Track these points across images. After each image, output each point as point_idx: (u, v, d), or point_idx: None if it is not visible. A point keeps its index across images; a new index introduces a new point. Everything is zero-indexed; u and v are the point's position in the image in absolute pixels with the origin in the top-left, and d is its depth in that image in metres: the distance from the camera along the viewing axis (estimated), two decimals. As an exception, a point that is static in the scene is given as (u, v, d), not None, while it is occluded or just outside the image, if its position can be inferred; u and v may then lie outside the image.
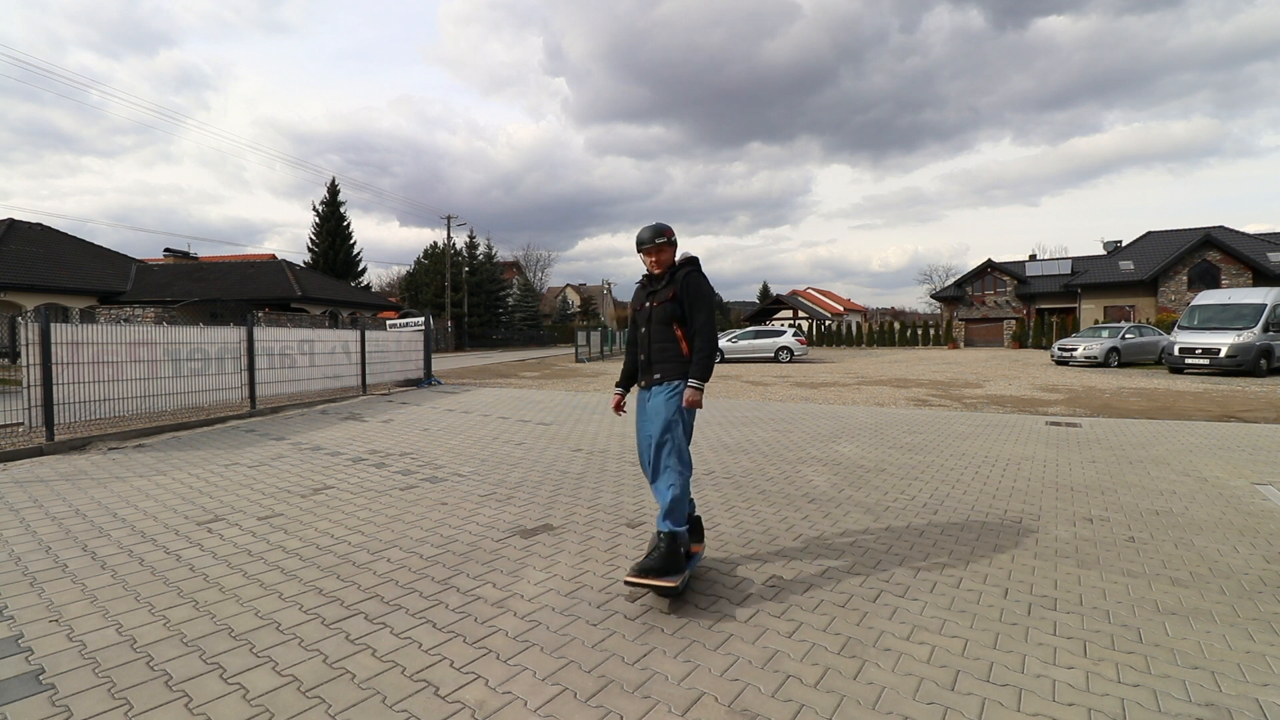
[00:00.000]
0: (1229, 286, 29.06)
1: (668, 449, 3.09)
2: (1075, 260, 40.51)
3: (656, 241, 3.23)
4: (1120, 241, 40.52)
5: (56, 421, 7.21)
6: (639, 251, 3.29)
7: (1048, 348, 33.52)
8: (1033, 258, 46.03)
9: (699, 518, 3.47)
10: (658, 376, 3.18)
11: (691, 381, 3.08)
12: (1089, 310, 35.81)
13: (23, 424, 7.28)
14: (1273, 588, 3.15)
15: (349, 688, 2.29)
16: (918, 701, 2.20)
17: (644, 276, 3.41)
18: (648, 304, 3.29)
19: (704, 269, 3.37)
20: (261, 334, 10.55)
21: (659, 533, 3.07)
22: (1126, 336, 21.12)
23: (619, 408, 3.50)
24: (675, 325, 3.17)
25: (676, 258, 3.34)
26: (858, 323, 52.92)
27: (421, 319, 16.50)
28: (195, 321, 21.71)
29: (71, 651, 2.53)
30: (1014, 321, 40.06)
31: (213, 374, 9.61)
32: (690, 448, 3.46)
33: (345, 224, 44.26)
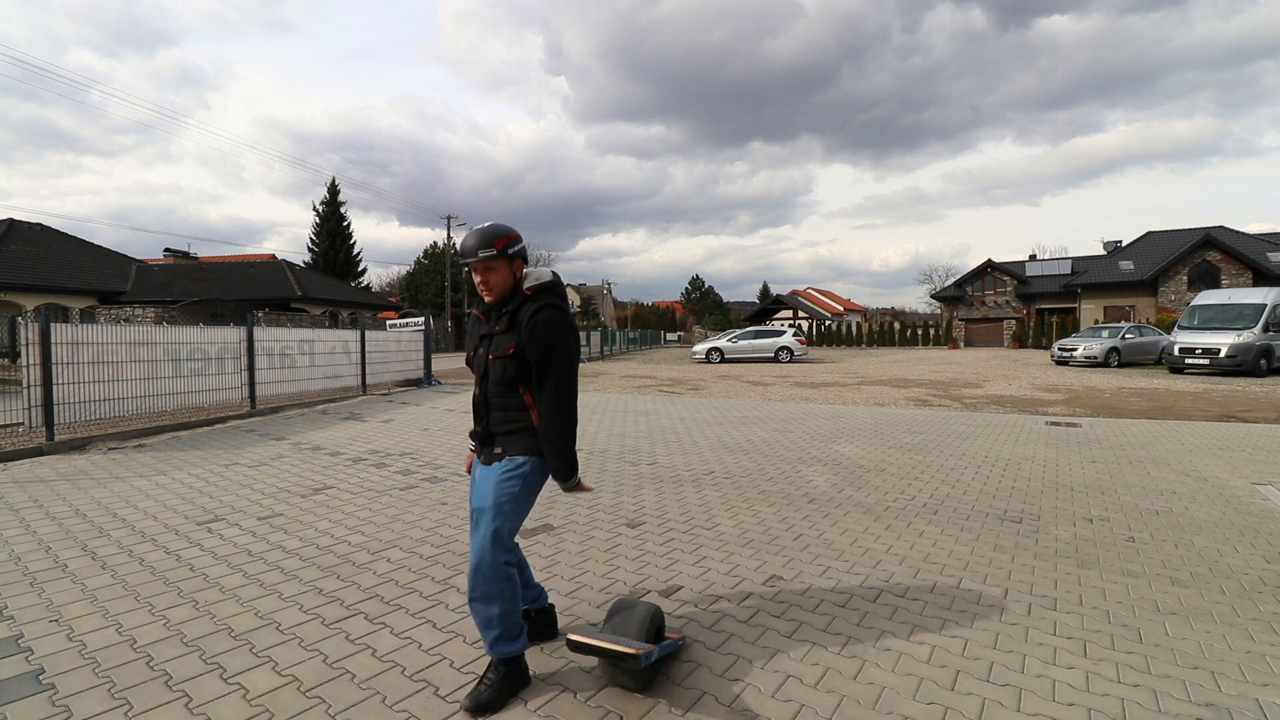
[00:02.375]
0: (1229, 286, 29.07)
1: (487, 542, 2.17)
2: (1075, 260, 40.51)
3: (481, 255, 2.20)
4: (1120, 241, 40.52)
5: (56, 421, 7.21)
6: (463, 263, 2.30)
7: (1048, 348, 33.52)
8: (1033, 258, 46.03)
9: (551, 608, 2.69)
10: (498, 451, 2.30)
11: (559, 481, 2.27)
12: (1089, 310, 35.80)
13: (23, 424, 7.28)
14: (1273, 588, 3.15)
15: (349, 688, 2.29)
16: (918, 701, 2.20)
17: (479, 303, 2.43)
18: (480, 350, 2.33)
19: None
20: (261, 334, 10.54)
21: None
22: (1126, 336, 21.12)
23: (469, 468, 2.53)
24: (522, 388, 2.27)
25: (525, 281, 2.32)
26: (858, 323, 52.91)
27: (421, 319, 16.50)
28: (195, 321, 21.70)
29: (71, 651, 2.53)
30: (1014, 321, 40.04)
31: (213, 374, 9.61)
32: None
33: (345, 224, 44.29)
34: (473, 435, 2.42)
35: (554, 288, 2.34)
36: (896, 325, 46.23)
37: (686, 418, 9.39)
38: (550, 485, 5.31)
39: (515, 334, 2.23)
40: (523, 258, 2.33)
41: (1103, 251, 41.17)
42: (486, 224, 2.26)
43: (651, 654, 2.19)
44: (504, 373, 2.24)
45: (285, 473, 5.77)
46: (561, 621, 2.81)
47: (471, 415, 2.42)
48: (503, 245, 2.22)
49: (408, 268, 54.20)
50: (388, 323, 20.01)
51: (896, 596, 3.07)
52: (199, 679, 2.34)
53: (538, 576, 3.32)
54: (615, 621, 2.34)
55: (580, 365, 28.83)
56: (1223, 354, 15.89)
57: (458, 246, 2.24)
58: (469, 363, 2.42)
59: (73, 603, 2.97)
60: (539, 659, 2.50)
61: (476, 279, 2.28)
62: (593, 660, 2.45)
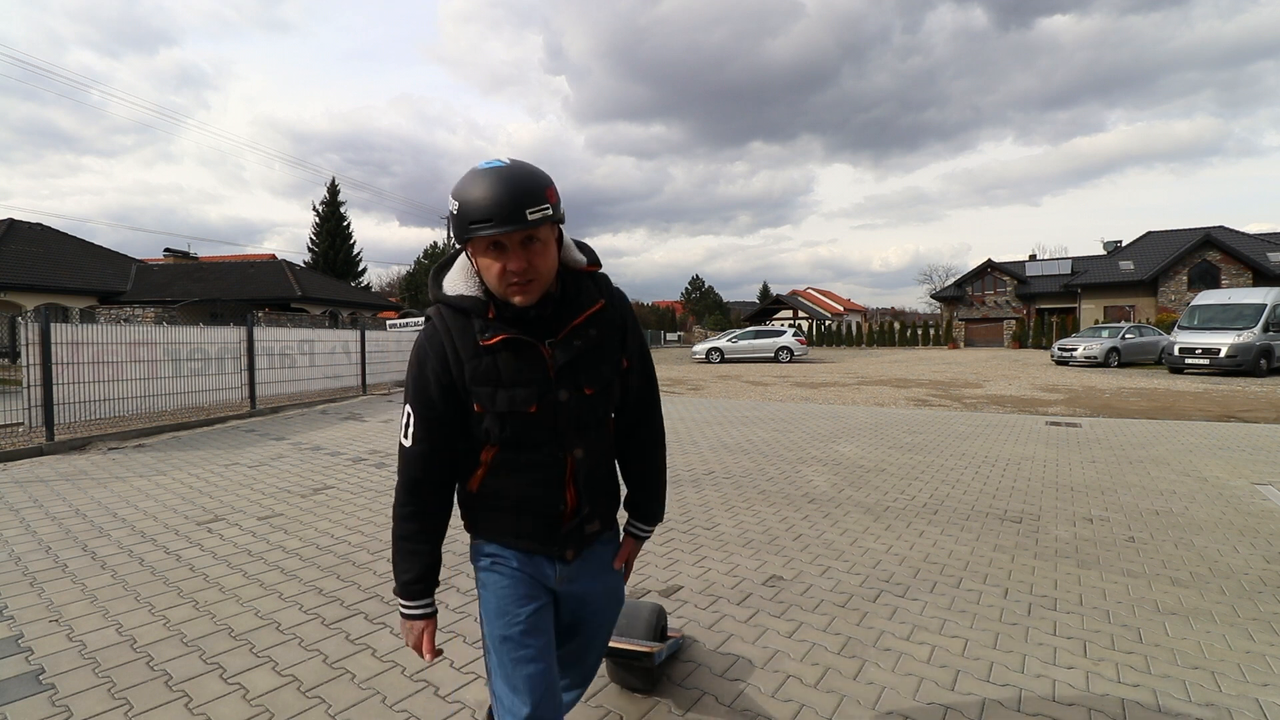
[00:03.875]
0: (1229, 286, 29.05)
1: (594, 668, 1.69)
2: (1075, 260, 40.50)
3: (530, 216, 1.21)
4: (1120, 241, 40.51)
5: (56, 421, 7.20)
6: (467, 239, 1.25)
7: (1048, 348, 33.51)
8: (1033, 258, 46.02)
9: None
10: (595, 528, 1.47)
11: (641, 526, 1.58)
12: (1089, 310, 35.79)
13: (23, 424, 7.28)
14: (1273, 588, 3.15)
15: (349, 688, 2.29)
16: (918, 701, 2.20)
17: (501, 318, 1.33)
18: (559, 393, 1.34)
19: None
20: (261, 334, 10.54)
21: None
22: (1126, 336, 21.12)
23: (434, 651, 1.44)
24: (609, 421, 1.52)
25: (574, 253, 1.42)
26: (858, 323, 52.90)
27: (421, 319, 16.51)
28: (195, 321, 21.70)
29: (71, 651, 2.53)
30: (1014, 321, 40.04)
31: (213, 374, 9.62)
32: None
33: (345, 224, 44.28)
34: (413, 597, 1.41)
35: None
36: (896, 325, 46.23)
37: (686, 417, 9.39)
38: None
39: (616, 338, 1.43)
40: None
41: (1103, 251, 41.15)
42: (503, 162, 1.25)
43: (663, 652, 2.21)
44: (606, 407, 1.43)
45: (285, 473, 5.77)
46: (561, 621, 2.81)
47: (531, 511, 1.40)
48: (556, 198, 1.27)
49: (408, 268, 54.24)
50: (388, 323, 20.03)
51: (896, 596, 3.06)
52: (199, 679, 2.34)
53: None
54: (621, 622, 2.34)
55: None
56: (1223, 354, 15.89)
57: (455, 209, 1.24)
58: (510, 427, 1.34)
59: (73, 603, 2.97)
60: (539, 659, 2.49)
61: (506, 267, 1.25)
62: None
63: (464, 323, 1.34)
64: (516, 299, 1.28)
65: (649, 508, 1.58)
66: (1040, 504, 4.67)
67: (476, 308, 1.33)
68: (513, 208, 1.20)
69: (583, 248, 1.45)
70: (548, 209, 1.23)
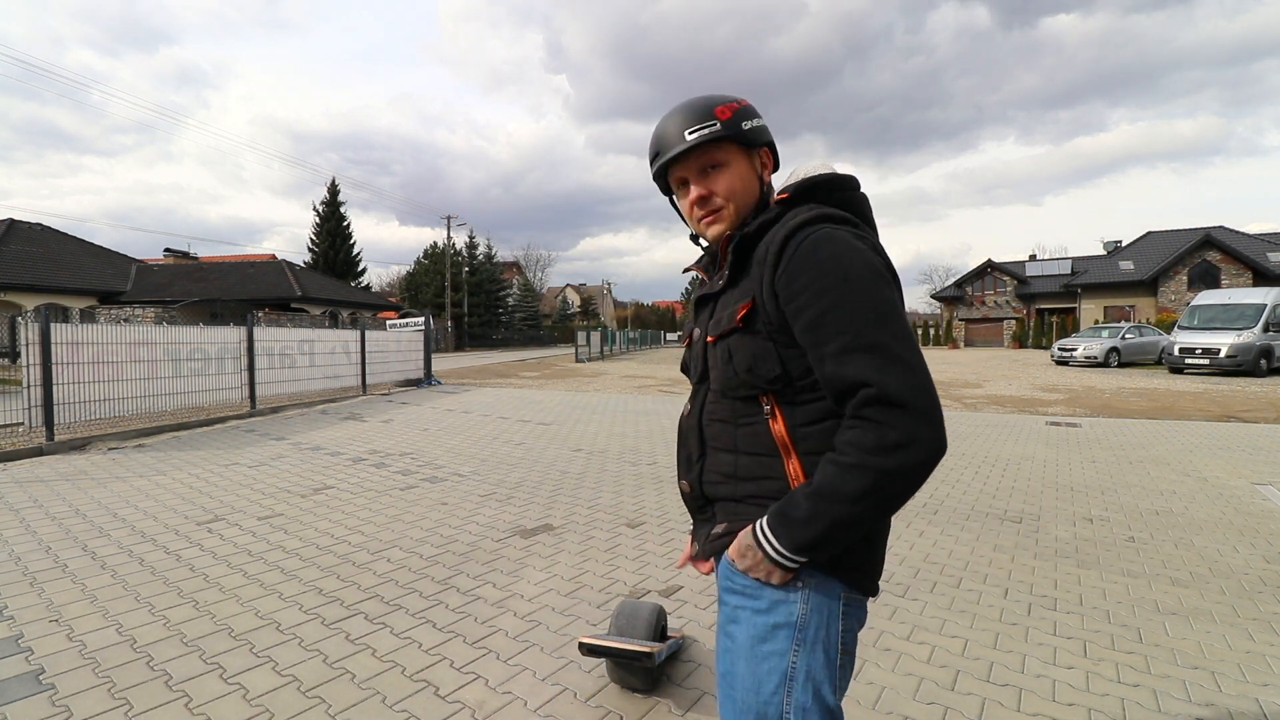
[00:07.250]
0: (1229, 286, 29.05)
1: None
2: (1075, 260, 40.52)
3: (689, 136, 1.17)
4: (1120, 241, 40.53)
5: (56, 421, 7.20)
6: (661, 183, 1.31)
7: (1048, 348, 33.51)
8: (1033, 258, 46.04)
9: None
10: (719, 530, 1.22)
11: (763, 522, 1.09)
12: (1089, 310, 35.80)
13: (23, 424, 7.27)
14: (1273, 588, 3.15)
15: (349, 688, 2.29)
16: (918, 701, 2.20)
17: (702, 258, 1.38)
18: (697, 333, 1.29)
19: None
20: (261, 334, 10.54)
21: None
22: (1126, 336, 21.13)
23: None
24: (769, 402, 1.13)
25: (777, 182, 1.26)
26: (858, 323, 52.74)
27: (421, 319, 16.52)
28: (195, 321, 21.69)
29: (71, 651, 2.53)
30: (1014, 321, 40.05)
31: (213, 374, 9.61)
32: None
33: (345, 224, 44.27)
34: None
35: (838, 186, 1.19)
36: (896, 325, 46.16)
37: (686, 418, 9.38)
38: (563, 485, 5.31)
39: (750, 283, 1.13)
40: (771, 146, 1.25)
41: (1103, 251, 41.17)
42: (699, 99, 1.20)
43: (662, 652, 2.21)
44: (728, 367, 1.14)
45: (285, 473, 5.77)
46: (561, 621, 2.82)
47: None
48: (730, 115, 1.16)
49: (408, 267, 54.17)
50: (388, 323, 20.04)
51: (896, 597, 3.06)
52: (199, 679, 2.34)
53: (538, 576, 3.32)
54: (621, 622, 2.34)
55: (581, 365, 27.22)
56: (1223, 354, 15.89)
57: (650, 146, 1.27)
58: (685, 366, 1.34)
59: (73, 603, 2.97)
60: (539, 658, 2.50)
61: (689, 197, 1.21)
62: (592, 660, 2.45)
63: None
64: (710, 232, 1.24)
65: (777, 509, 1.07)
66: (1040, 504, 4.67)
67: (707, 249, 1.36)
68: (674, 133, 1.19)
69: (807, 177, 1.20)
70: (714, 125, 1.17)
